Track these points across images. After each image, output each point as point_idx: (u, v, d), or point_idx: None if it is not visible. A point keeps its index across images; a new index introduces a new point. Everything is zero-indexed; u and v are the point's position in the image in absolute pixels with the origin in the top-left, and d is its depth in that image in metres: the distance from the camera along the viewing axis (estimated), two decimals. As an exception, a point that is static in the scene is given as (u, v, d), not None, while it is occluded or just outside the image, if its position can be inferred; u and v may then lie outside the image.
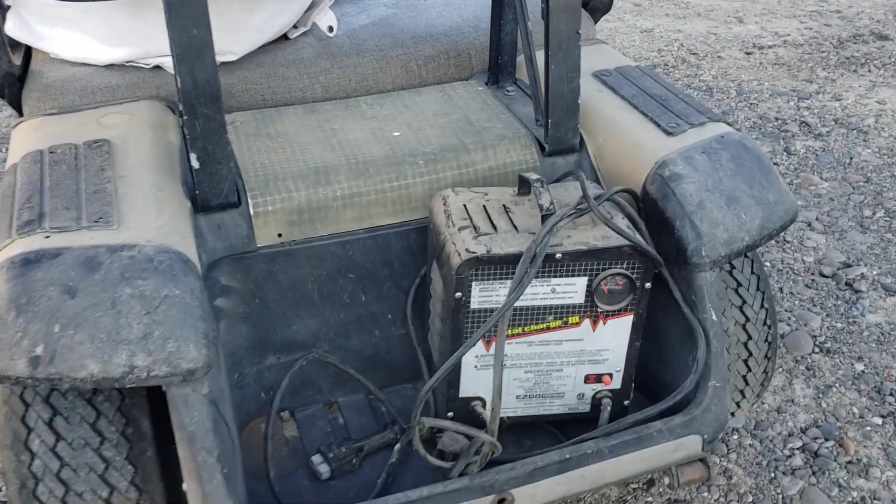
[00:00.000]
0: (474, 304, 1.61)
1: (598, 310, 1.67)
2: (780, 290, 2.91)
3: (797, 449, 2.34)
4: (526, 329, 1.67)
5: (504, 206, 1.73)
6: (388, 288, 1.92)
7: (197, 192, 1.73)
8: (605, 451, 1.64)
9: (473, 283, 1.59)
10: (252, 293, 1.82)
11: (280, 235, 1.81)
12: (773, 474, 2.26)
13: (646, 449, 1.68)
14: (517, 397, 1.75)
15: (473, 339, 1.48)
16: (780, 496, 2.21)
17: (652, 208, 1.76)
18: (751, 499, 2.20)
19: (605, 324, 1.69)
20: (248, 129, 2.00)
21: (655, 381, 1.88)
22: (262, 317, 1.84)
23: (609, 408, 1.74)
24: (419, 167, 1.89)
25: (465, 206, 1.72)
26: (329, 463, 1.75)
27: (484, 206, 1.73)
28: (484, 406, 1.73)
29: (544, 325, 1.67)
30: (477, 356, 1.68)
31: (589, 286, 1.64)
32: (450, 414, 1.73)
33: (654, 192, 1.77)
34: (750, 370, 2.08)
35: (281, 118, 2.06)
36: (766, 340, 2.07)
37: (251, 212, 1.78)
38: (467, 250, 1.58)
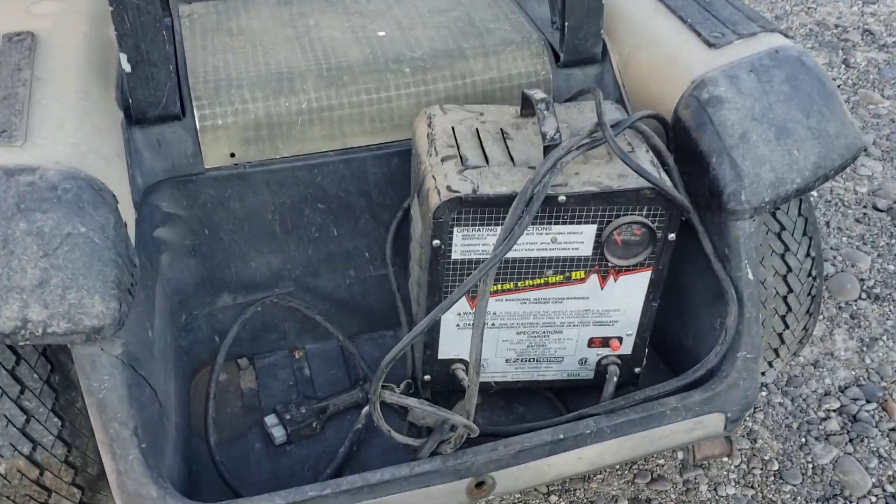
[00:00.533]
0: (456, 255, 1.32)
1: (609, 264, 1.37)
2: (827, 224, 2.58)
3: (833, 411, 2.06)
4: (520, 284, 1.37)
5: (502, 130, 1.42)
6: (366, 222, 1.63)
7: (130, 100, 1.43)
8: (606, 431, 1.37)
9: (455, 230, 1.29)
10: (200, 223, 1.54)
11: (233, 155, 1.52)
12: (803, 439, 2.00)
13: (657, 429, 1.41)
14: (507, 361, 1.47)
15: (450, 301, 1.20)
16: (811, 465, 1.94)
17: (684, 139, 1.44)
18: (776, 466, 1.94)
19: (615, 281, 1.39)
20: (206, 24, 1.68)
21: (675, 345, 1.59)
22: (213, 251, 1.57)
23: (616, 376, 1.46)
24: (405, 76, 1.57)
25: (452, 129, 1.41)
26: (285, 425, 1.50)
27: (477, 129, 1.41)
28: (466, 370, 1.46)
29: (542, 281, 1.38)
30: (459, 314, 1.40)
31: (598, 236, 1.33)
32: (426, 377, 1.47)
33: (687, 118, 1.43)
34: (787, 327, 1.78)
35: (247, 10, 1.73)
36: (809, 294, 1.76)
37: (197, 126, 1.48)
38: (448, 188, 1.27)
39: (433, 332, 1.41)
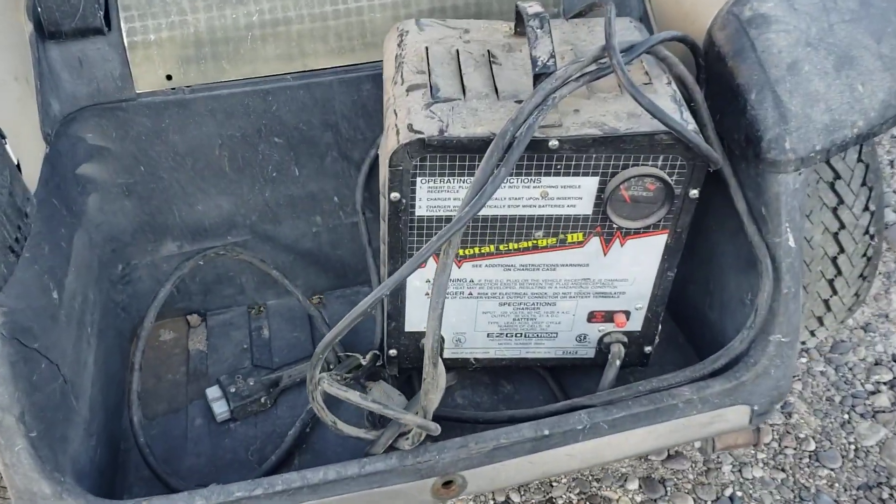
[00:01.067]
0: (421, 210, 1.06)
1: (614, 226, 1.10)
2: (891, 164, 2.25)
3: (884, 384, 1.79)
4: (502, 248, 1.12)
5: (489, 53, 1.14)
6: (333, 160, 1.37)
7: (39, 8, 1.18)
8: (602, 427, 1.13)
9: (418, 180, 1.03)
10: (135, 158, 1.30)
11: (169, 78, 1.26)
12: (846, 416, 1.74)
13: (666, 423, 1.16)
14: (490, 336, 1.23)
15: (401, 274, 0.95)
16: (853, 446, 1.69)
17: (718, 69, 1.14)
18: (812, 446, 1.69)
19: (622, 245, 1.12)
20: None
21: (697, 316, 1.33)
22: (152, 191, 1.33)
23: (619, 358, 1.21)
24: (380, -17, 1.29)
25: (426, 49, 1.13)
26: (228, 399, 1.28)
27: (458, 51, 1.14)
28: (440, 344, 1.22)
29: (530, 244, 1.12)
30: (429, 280, 1.15)
31: (601, 192, 1.07)
32: (392, 352, 1.23)
33: (722, 42, 1.14)
34: (835, 293, 1.51)
35: None
36: (864, 255, 1.48)
37: (125, 41, 1.23)
38: (410, 127, 1.01)
39: (398, 302, 1.17)
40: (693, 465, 1.66)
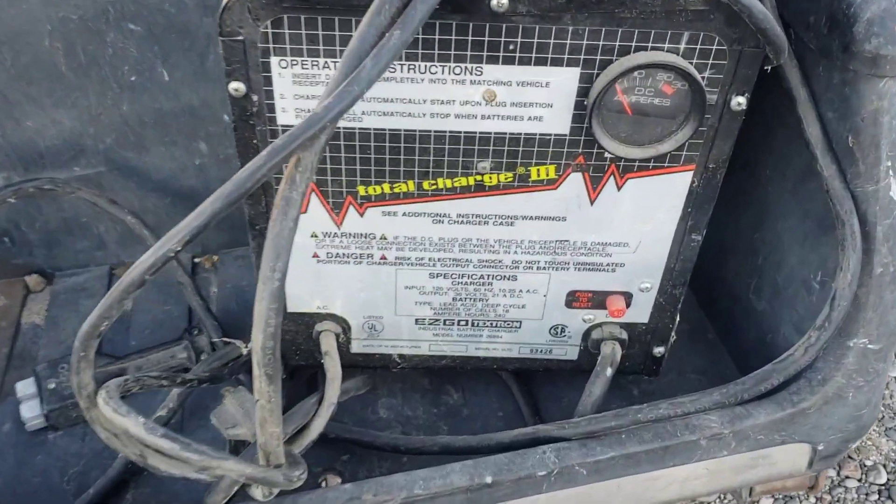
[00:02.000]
0: (287, 116, 0.65)
1: (606, 155, 0.68)
2: None
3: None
4: (426, 186, 0.70)
5: None
6: (220, 60, 0.96)
7: None
8: (579, 473, 0.72)
9: (275, 62, 0.62)
10: (-75, 47, 0.90)
11: (-36, -73, 0.86)
12: (928, 438, 1.31)
13: (682, 467, 0.75)
14: (419, 322, 0.81)
15: (210, 210, 0.53)
16: (936, 482, 1.26)
17: None
18: (882, 478, 1.26)
19: (619, 188, 0.70)
20: None
21: (736, 306, 0.91)
22: None
23: (613, 364, 0.79)
24: None
25: None
26: (44, 399, 0.89)
27: None
28: (344, 333, 0.81)
29: (470, 181, 0.70)
30: (326, 234, 0.74)
31: (583, 94, 0.64)
32: (270, 341, 0.82)
33: None
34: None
35: None
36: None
37: None
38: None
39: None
40: (721, 500, 1.25)
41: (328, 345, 0.79)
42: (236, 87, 0.63)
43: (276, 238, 0.53)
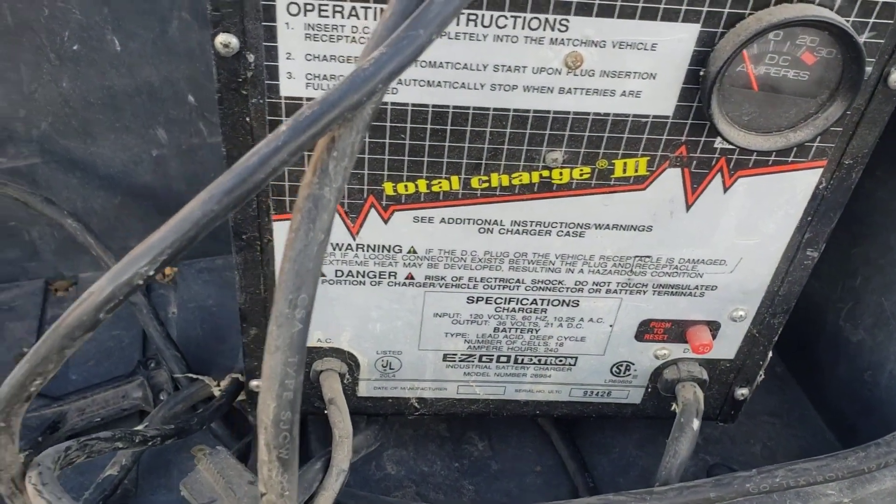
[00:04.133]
0: (294, 85, 0.47)
1: (717, 145, 0.51)
2: None
3: None
4: (475, 183, 0.52)
5: None
6: (184, 25, 0.77)
7: None
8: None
9: (280, 5, 0.44)
10: None
11: None
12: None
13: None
14: (448, 359, 0.64)
15: (207, 200, 0.35)
16: None
17: None
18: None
19: (726, 188, 0.54)
20: None
21: (821, 338, 0.75)
22: None
23: (698, 412, 0.62)
24: None
25: None
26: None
27: None
28: (351, 372, 0.63)
29: (534, 177, 0.52)
30: (339, 247, 0.55)
31: (699, 63, 0.47)
32: (256, 384, 0.64)
33: None
34: None
35: None
36: None
37: None
38: None
39: (260, 287, 0.57)
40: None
41: (332, 390, 0.60)
42: (225, 40, 0.44)
43: (300, 259, 0.35)
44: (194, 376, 0.72)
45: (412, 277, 0.58)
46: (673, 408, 0.64)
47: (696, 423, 0.61)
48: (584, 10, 0.45)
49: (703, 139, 0.51)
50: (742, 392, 0.67)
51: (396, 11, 0.35)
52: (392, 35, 0.34)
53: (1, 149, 0.80)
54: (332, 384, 0.61)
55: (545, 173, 0.52)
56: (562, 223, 0.55)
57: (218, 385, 0.71)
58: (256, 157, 0.34)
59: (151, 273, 0.35)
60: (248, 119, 0.48)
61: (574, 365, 0.64)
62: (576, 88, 0.48)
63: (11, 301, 0.86)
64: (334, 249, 0.56)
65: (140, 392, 0.74)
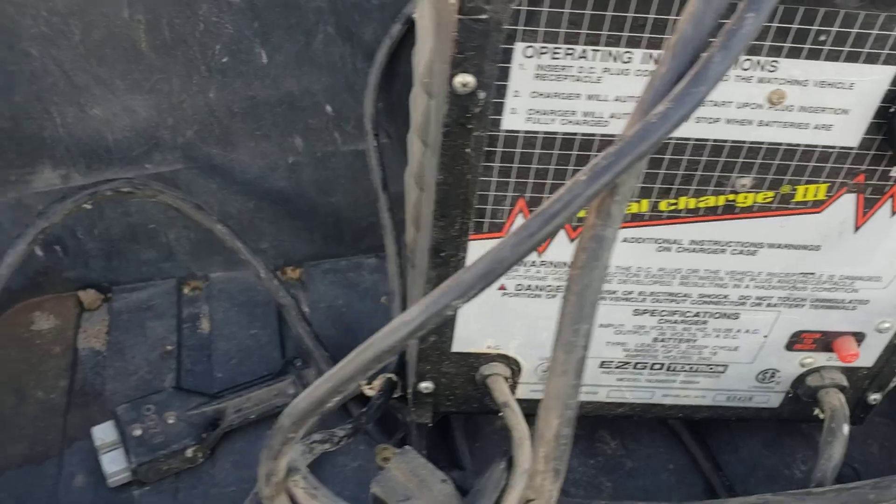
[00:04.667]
0: (515, 119, 0.51)
1: (892, 173, 0.55)
2: None
3: None
4: (662, 206, 0.56)
5: None
6: (327, 39, 0.81)
7: None
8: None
9: (520, 49, 0.47)
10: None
11: None
12: None
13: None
14: (604, 366, 0.68)
15: (517, 243, 0.37)
16: None
17: None
18: None
19: (895, 213, 0.57)
20: None
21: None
22: (12, 80, 0.76)
23: (845, 418, 0.66)
24: None
25: None
26: (129, 450, 0.73)
27: None
28: (512, 376, 0.67)
29: (720, 201, 0.56)
30: (522, 262, 0.59)
31: (891, 97, 0.51)
32: (425, 386, 0.68)
33: None
34: None
35: None
36: None
37: None
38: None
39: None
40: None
41: (503, 393, 0.64)
42: (464, 80, 0.48)
43: (585, 291, 0.38)
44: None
45: (607, 295, 0.61)
46: (816, 412, 0.68)
47: (845, 428, 0.65)
48: (794, 54, 0.48)
49: (881, 168, 0.55)
50: (875, 397, 0.71)
51: (672, 68, 0.39)
52: (674, 91, 0.38)
53: (146, 156, 0.83)
54: (502, 388, 0.65)
55: (731, 197, 0.56)
56: (737, 243, 0.58)
57: (369, 384, 0.75)
58: (563, 200, 0.37)
59: (460, 306, 0.38)
60: (467, 150, 0.51)
61: (723, 372, 0.68)
62: (773, 122, 0.52)
63: (149, 300, 0.89)
64: (520, 266, 0.59)
65: (293, 389, 0.78)
